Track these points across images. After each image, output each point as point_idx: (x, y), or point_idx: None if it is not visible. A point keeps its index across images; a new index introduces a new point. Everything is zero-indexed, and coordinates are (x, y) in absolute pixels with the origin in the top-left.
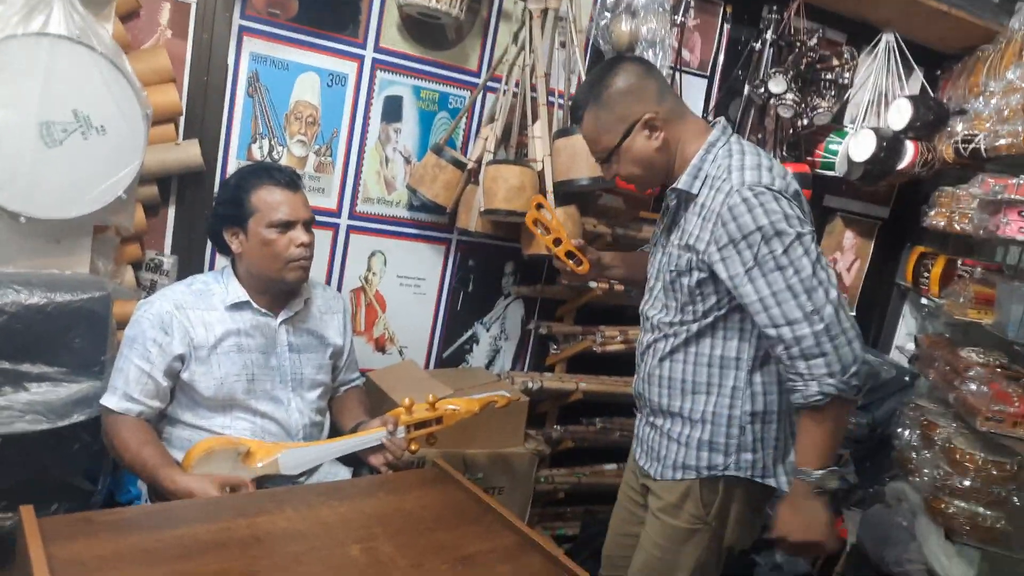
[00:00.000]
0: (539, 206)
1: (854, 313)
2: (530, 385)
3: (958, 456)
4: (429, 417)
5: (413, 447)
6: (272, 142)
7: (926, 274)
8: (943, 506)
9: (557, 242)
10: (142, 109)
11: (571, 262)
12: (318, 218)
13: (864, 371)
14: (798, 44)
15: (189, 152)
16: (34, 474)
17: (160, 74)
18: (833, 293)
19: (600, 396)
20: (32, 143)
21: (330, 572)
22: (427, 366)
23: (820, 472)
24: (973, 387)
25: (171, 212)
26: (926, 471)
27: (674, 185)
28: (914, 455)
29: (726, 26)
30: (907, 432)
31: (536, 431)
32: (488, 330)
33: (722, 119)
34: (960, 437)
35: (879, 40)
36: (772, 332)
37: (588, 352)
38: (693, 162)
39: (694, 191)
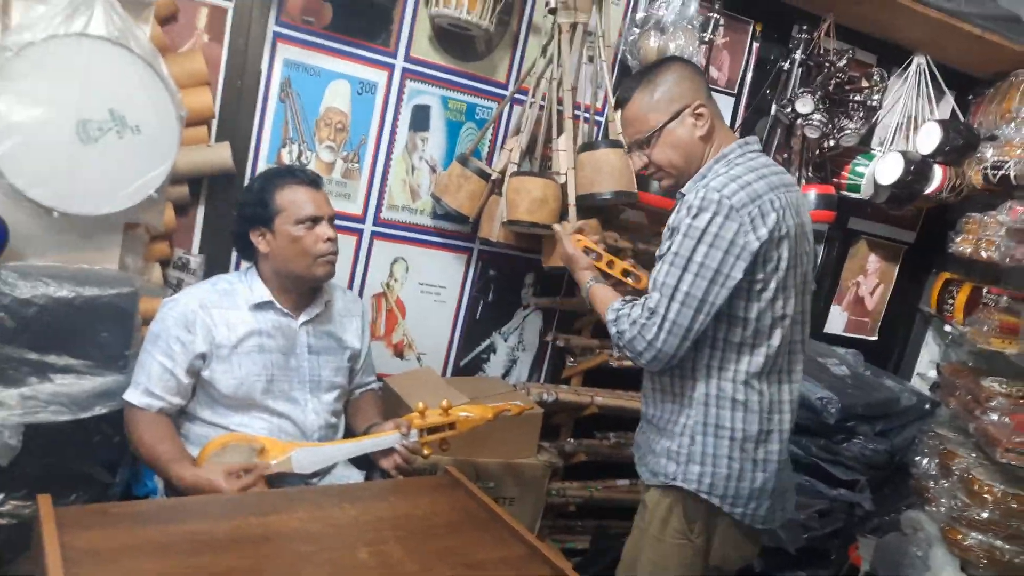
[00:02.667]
0: (579, 240)
1: (875, 338)
2: (545, 397)
3: (976, 487)
4: (442, 423)
5: (426, 452)
6: (302, 147)
7: (951, 301)
8: (960, 537)
9: (611, 264)
10: (176, 111)
11: (629, 280)
12: (344, 223)
13: (646, 357)
14: (827, 65)
15: (220, 154)
16: (55, 464)
17: (195, 77)
18: (673, 311)
19: (615, 411)
20: (69, 140)
21: (338, 573)
22: (444, 373)
23: (588, 284)
24: (995, 417)
25: (200, 212)
26: (943, 501)
27: (681, 191)
28: (932, 484)
29: (755, 44)
30: (925, 460)
31: (550, 443)
32: (506, 340)
33: (750, 138)
34: (979, 468)
35: (910, 62)
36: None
37: (605, 366)
38: (702, 170)
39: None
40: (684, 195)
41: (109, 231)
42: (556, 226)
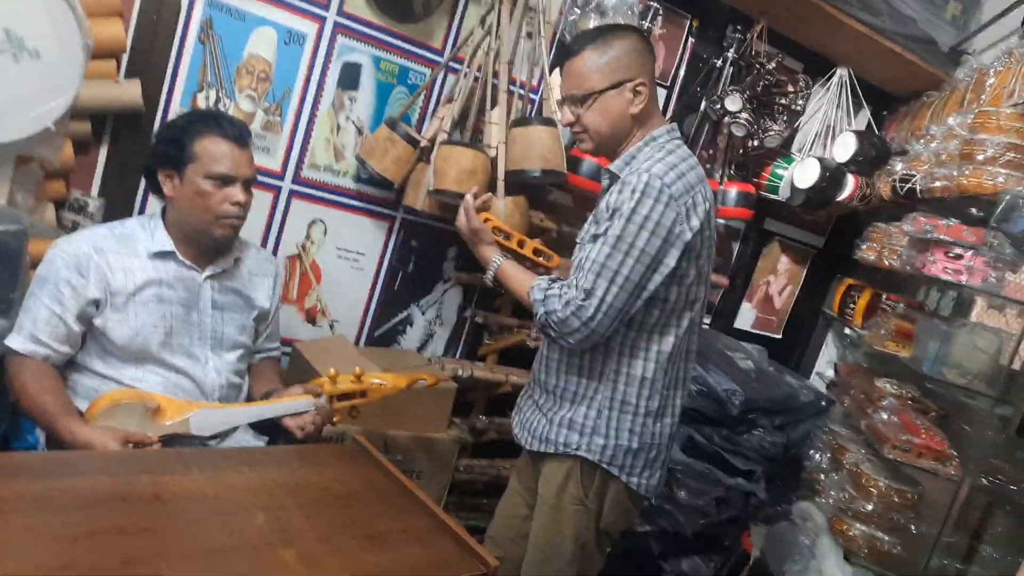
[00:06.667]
0: (486, 220)
1: (780, 336)
2: (460, 373)
3: (863, 481)
4: (354, 390)
5: (335, 419)
6: (220, 93)
7: (852, 305)
8: (845, 528)
9: (521, 244)
10: (82, 38)
11: (541, 259)
12: (261, 179)
13: (577, 336)
14: (757, 66)
15: (129, 91)
16: None
17: (106, 6)
18: (611, 293)
19: None
20: None
21: (231, 537)
22: (357, 343)
23: (490, 271)
24: (884, 416)
25: (103, 152)
26: (832, 493)
27: (608, 167)
28: (822, 477)
29: (690, 40)
30: (818, 455)
31: (462, 420)
32: (424, 313)
33: (675, 124)
34: (867, 463)
35: (833, 73)
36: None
37: (522, 346)
38: (630, 150)
39: (621, 175)
40: (617, 176)
41: None
42: (468, 196)
